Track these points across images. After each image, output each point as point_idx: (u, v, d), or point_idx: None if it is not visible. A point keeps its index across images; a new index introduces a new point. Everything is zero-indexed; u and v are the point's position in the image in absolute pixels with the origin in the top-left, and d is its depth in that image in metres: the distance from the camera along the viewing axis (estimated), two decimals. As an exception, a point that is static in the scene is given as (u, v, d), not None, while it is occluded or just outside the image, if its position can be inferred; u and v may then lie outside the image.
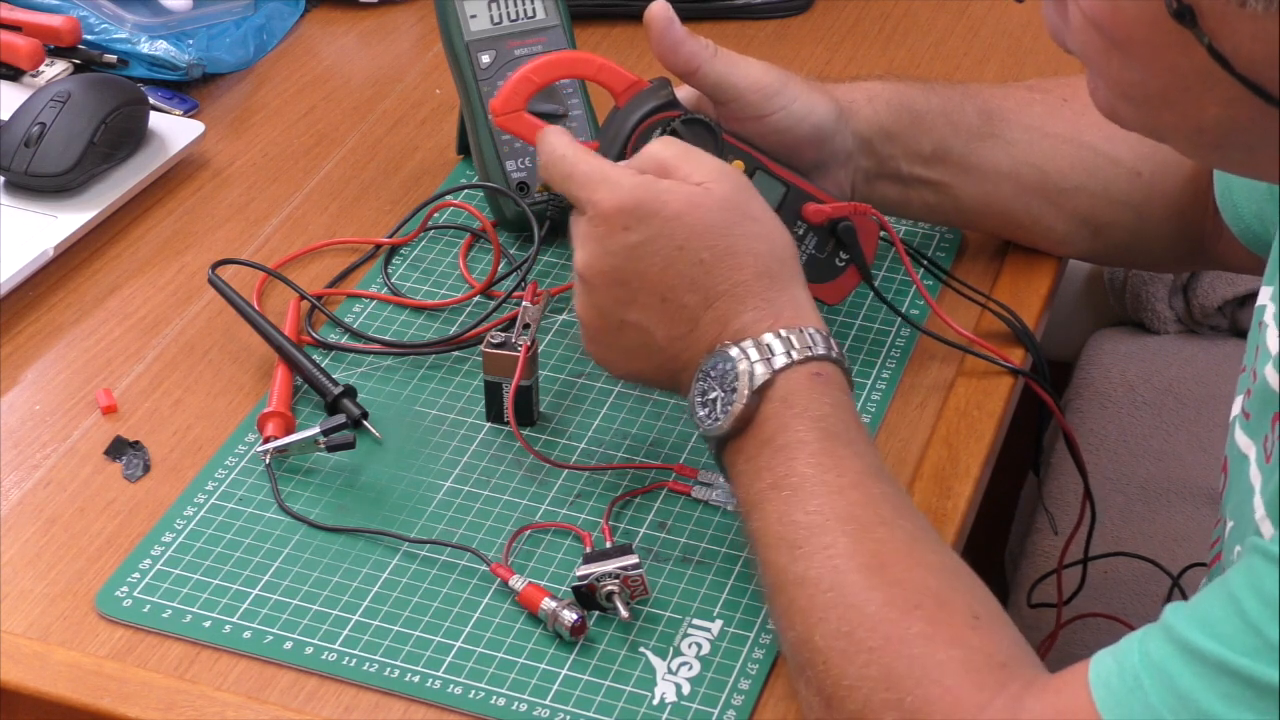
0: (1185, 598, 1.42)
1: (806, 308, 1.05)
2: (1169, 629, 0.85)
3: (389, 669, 1.02)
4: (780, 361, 1.02)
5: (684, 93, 1.17)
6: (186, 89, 1.49)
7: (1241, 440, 1.00)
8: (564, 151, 1.09)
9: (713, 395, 1.03)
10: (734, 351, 1.02)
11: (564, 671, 1.01)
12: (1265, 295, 1.01)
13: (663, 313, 1.06)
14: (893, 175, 1.23)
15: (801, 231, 1.17)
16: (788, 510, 0.98)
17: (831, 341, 1.04)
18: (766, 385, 1.01)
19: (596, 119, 1.32)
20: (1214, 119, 0.89)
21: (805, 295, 1.06)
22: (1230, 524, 1.01)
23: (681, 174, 1.06)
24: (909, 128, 1.22)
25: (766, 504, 0.99)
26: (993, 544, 1.70)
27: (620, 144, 1.14)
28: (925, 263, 1.26)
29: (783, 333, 1.03)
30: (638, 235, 1.05)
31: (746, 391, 1.01)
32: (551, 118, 1.23)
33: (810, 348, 1.03)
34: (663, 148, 1.08)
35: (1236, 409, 1.02)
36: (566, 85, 1.32)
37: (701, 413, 1.04)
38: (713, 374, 1.03)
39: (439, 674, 1.01)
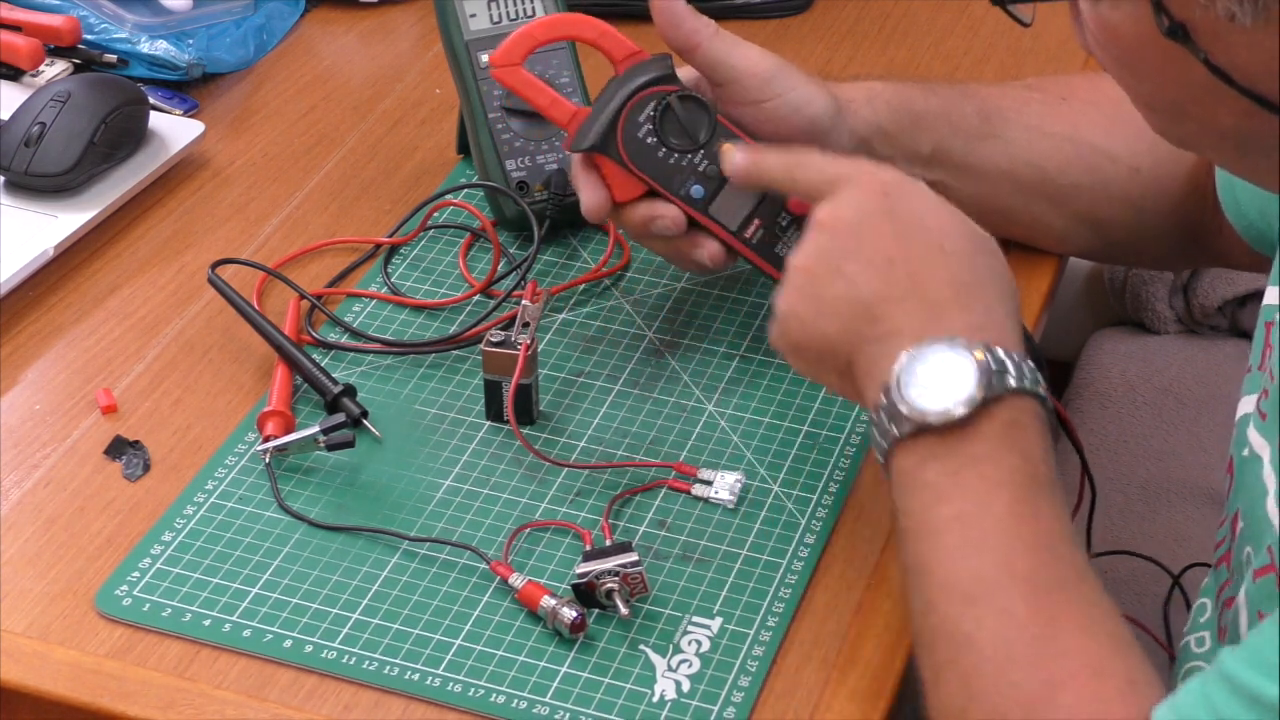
0: (1185, 597, 1.43)
1: (1025, 349, 0.99)
2: (1231, 679, 0.82)
3: (389, 667, 1.02)
4: (1012, 383, 0.95)
5: (684, 74, 1.17)
6: (186, 89, 1.50)
7: (1255, 440, 0.99)
8: (800, 154, 1.08)
9: (925, 382, 0.95)
10: (969, 349, 0.95)
11: (564, 669, 1.01)
12: (1272, 295, 1.01)
13: (883, 273, 1.00)
14: None
15: (785, 223, 1.17)
16: (969, 556, 0.92)
17: (1050, 392, 0.99)
18: (995, 400, 0.94)
19: (587, 89, 1.32)
20: (1231, 128, 0.89)
21: (1023, 339, 1.00)
22: (1241, 525, 1.00)
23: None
24: (909, 128, 1.22)
25: (946, 536, 0.93)
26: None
27: (614, 112, 1.14)
28: None
29: (1015, 356, 0.96)
30: (894, 203, 1.02)
31: (976, 397, 0.94)
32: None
33: (1037, 384, 0.96)
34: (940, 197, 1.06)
35: (1249, 408, 1.02)
36: (555, 58, 1.31)
37: (904, 394, 0.95)
38: (932, 358, 0.96)
39: (439, 672, 1.01)
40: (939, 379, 0.95)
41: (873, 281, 1.00)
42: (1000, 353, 0.96)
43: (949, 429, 0.94)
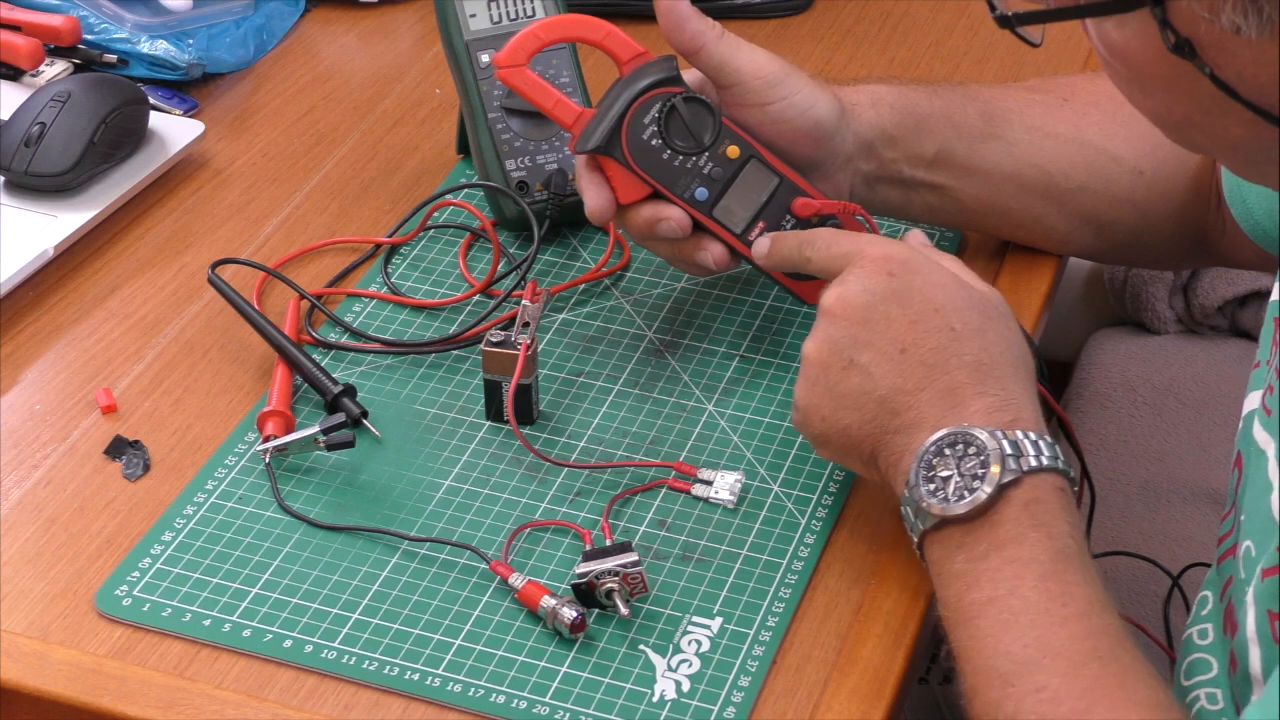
0: (1185, 598, 1.43)
1: (1043, 422, 1.01)
2: None
3: (388, 667, 1.02)
4: (1030, 463, 0.97)
5: (689, 76, 1.18)
6: (186, 89, 1.50)
7: (1260, 436, 0.99)
8: (810, 232, 1.11)
9: (945, 473, 0.98)
10: (985, 436, 0.98)
11: (564, 669, 1.01)
12: (1278, 291, 1.01)
13: (898, 364, 1.03)
14: (894, 178, 1.23)
15: (789, 226, 1.17)
16: (1003, 638, 0.94)
17: (1070, 462, 1.00)
18: (1013, 483, 0.97)
19: (587, 91, 1.32)
20: (1240, 139, 0.89)
21: (1040, 411, 1.02)
22: (1244, 518, 1.00)
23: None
24: (912, 131, 1.22)
25: (980, 621, 0.95)
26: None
27: (619, 113, 1.15)
28: None
29: (1032, 435, 0.98)
30: (900, 283, 1.04)
31: (995, 482, 0.97)
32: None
33: (1056, 459, 0.99)
34: (944, 258, 1.08)
35: (1255, 403, 1.02)
36: (555, 58, 1.31)
37: (926, 488, 0.99)
38: (949, 451, 0.99)
39: (438, 672, 1.01)
40: (958, 471, 0.98)
41: (888, 374, 1.02)
42: (1018, 434, 0.98)
43: (971, 517, 0.97)
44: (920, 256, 1.07)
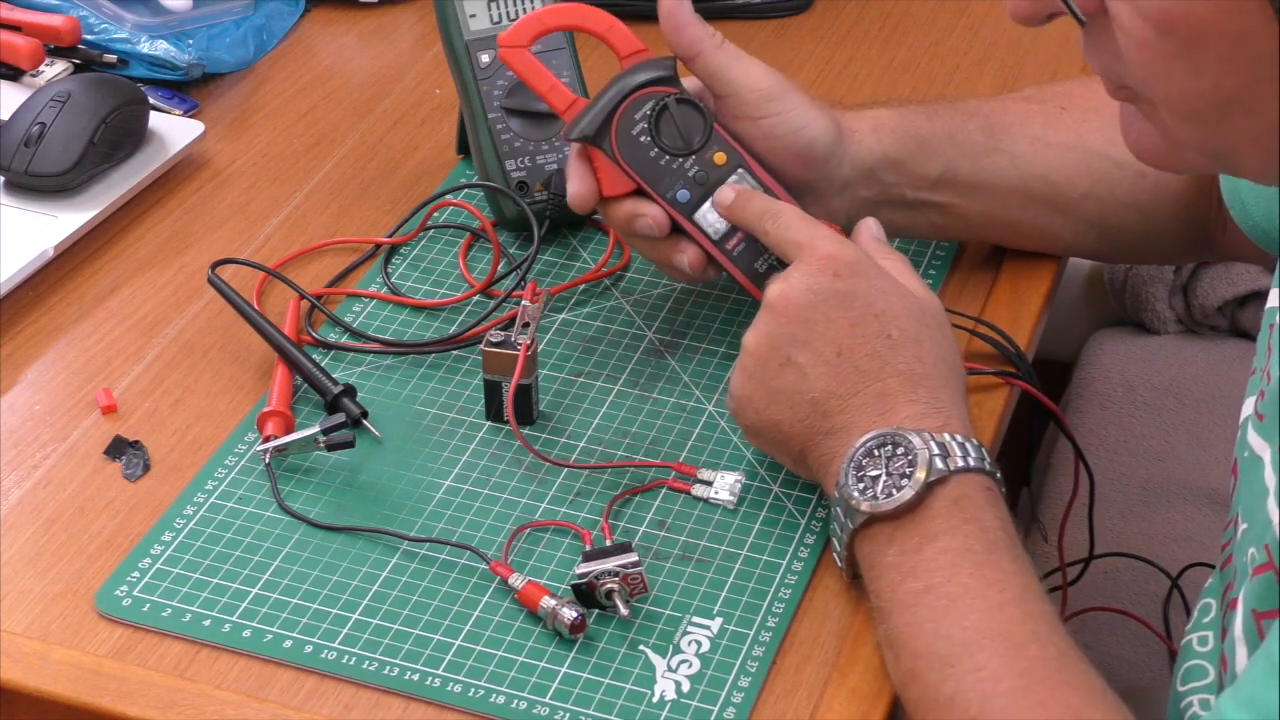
0: (1185, 598, 1.43)
1: (971, 428, 1.04)
2: None
3: (388, 667, 1.02)
4: (958, 463, 1.00)
5: (689, 83, 1.18)
6: (186, 89, 1.50)
7: (1255, 442, 0.99)
8: (779, 206, 1.12)
9: (874, 473, 1.01)
10: (914, 437, 1.00)
11: (563, 669, 1.01)
12: (1275, 298, 1.00)
13: (833, 367, 1.05)
14: (896, 201, 1.22)
15: None
16: (942, 622, 0.95)
17: (997, 466, 1.03)
18: (940, 481, 1.00)
19: (587, 91, 1.32)
20: None
21: (969, 419, 1.05)
22: (1244, 526, 1.00)
23: (895, 275, 1.09)
24: (915, 154, 1.22)
25: (919, 608, 0.97)
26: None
27: (610, 105, 1.15)
28: None
29: (959, 438, 1.01)
30: (844, 285, 1.06)
31: (921, 481, 0.99)
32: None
33: (983, 461, 1.01)
34: (889, 256, 1.10)
35: (1249, 410, 1.02)
36: (555, 58, 1.31)
37: (855, 487, 1.01)
38: (878, 451, 1.01)
39: (438, 672, 1.01)
40: (886, 470, 1.00)
41: (822, 376, 1.05)
42: (946, 437, 1.01)
43: (900, 514, 0.99)
44: (866, 260, 1.08)
